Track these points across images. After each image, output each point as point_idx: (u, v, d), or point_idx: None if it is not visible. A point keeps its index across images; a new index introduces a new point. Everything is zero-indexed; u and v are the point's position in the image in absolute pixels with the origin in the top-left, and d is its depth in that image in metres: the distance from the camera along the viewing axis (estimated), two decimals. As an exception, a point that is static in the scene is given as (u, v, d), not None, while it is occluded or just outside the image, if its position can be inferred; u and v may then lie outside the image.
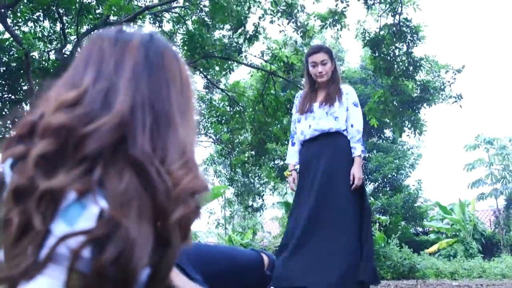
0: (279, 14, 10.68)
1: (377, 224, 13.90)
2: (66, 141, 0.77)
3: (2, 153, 0.83)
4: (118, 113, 0.79)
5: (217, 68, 11.52)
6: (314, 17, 10.74)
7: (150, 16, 11.14)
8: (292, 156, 3.99)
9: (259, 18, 10.53)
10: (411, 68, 10.57)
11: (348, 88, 3.93)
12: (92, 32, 10.93)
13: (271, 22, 10.73)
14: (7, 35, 10.02)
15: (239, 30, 10.08)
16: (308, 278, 3.31)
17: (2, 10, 8.91)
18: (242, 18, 9.85)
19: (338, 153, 3.72)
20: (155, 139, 0.81)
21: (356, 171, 3.65)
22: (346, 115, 3.79)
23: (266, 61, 11.48)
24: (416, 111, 10.99)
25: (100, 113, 0.80)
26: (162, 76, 0.89)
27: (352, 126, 3.78)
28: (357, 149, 3.74)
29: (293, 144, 4.01)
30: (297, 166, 3.99)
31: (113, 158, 0.77)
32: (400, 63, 10.64)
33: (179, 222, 0.79)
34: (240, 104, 12.49)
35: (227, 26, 10.47)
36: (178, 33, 11.70)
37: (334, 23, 10.37)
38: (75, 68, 0.90)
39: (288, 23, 10.72)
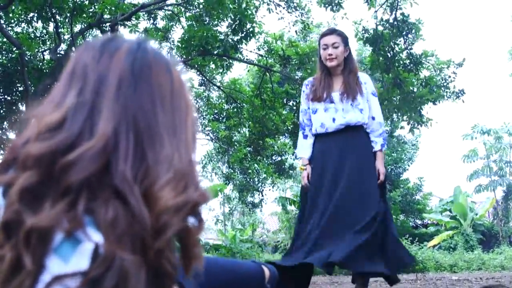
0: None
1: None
2: (49, 171, 0.73)
3: None
4: (101, 137, 0.76)
5: (213, 65, 11.50)
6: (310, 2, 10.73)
7: (144, 14, 11.10)
8: (306, 150, 3.71)
9: (256, 8, 10.51)
10: (411, 65, 10.54)
11: (365, 76, 3.74)
12: (86, 32, 10.91)
13: (268, 10, 10.72)
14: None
15: (237, 29, 10.05)
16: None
17: (-5, 11, 8.85)
18: (242, 15, 9.82)
19: (365, 147, 3.56)
20: (138, 162, 0.78)
21: (381, 166, 3.53)
22: (368, 106, 3.61)
23: (261, 56, 11.46)
24: (419, 108, 10.95)
25: (83, 137, 0.77)
26: (148, 90, 0.85)
27: (373, 118, 3.60)
28: (378, 144, 3.57)
29: (305, 136, 3.73)
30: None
31: (98, 186, 0.74)
32: (400, 61, 10.61)
33: (168, 246, 0.76)
34: (237, 101, 12.48)
35: (224, 23, 10.46)
36: (173, 30, 11.68)
37: (329, 5, 10.32)
38: (60, 85, 0.86)
39: (286, 9, 10.71)
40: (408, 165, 22.92)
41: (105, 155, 0.75)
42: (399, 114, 11.20)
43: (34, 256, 0.70)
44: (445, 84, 11.11)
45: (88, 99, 0.81)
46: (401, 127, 11.62)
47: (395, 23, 10.21)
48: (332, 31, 3.70)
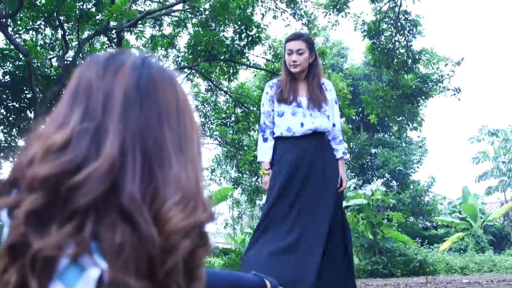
0: (283, 5, 10.69)
1: (387, 220, 13.80)
2: (55, 193, 0.72)
3: None
4: (108, 157, 0.74)
5: (219, 71, 11.52)
6: (317, 6, 10.74)
7: (150, 21, 11.15)
8: (267, 153, 3.61)
9: (262, 15, 10.53)
10: (409, 61, 10.58)
11: (330, 83, 3.73)
12: (93, 39, 10.97)
13: (274, 17, 10.74)
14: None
15: (243, 35, 10.08)
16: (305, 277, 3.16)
17: (3, 20, 8.93)
18: (247, 20, 9.84)
19: (330, 153, 3.56)
20: (146, 181, 0.76)
21: (343, 174, 3.54)
22: (332, 113, 3.60)
23: (268, 60, 11.47)
24: (416, 104, 11.01)
25: (89, 157, 0.75)
26: (154, 107, 0.82)
27: (334, 125, 3.60)
28: (340, 151, 3.58)
29: (265, 140, 3.63)
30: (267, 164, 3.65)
31: (105, 208, 0.72)
32: (399, 56, 10.65)
33: (176, 267, 0.75)
34: (245, 105, 12.48)
35: (230, 29, 10.49)
36: (179, 36, 11.71)
37: (335, 11, 10.36)
38: (64, 103, 0.84)
39: (292, 16, 10.73)
40: (418, 167, 22.86)
41: (112, 176, 0.74)
42: (399, 116, 11.23)
43: (40, 281, 0.69)
44: (441, 80, 11.16)
45: (93, 118, 0.79)
46: (403, 128, 11.65)
47: (397, 20, 10.25)
48: (297, 37, 3.62)
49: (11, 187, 0.78)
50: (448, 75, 11.24)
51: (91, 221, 0.71)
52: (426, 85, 10.99)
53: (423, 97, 11.22)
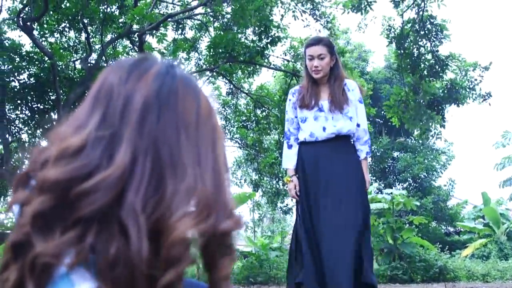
0: (301, 5, 10.70)
1: (409, 225, 13.64)
2: (64, 197, 0.72)
3: (12, 193, 0.80)
4: (119, 166, 0.74)
5: (240, 73, 11.55)
6: (336, 4, 10.73)
7: (173, 24, 11.24)
8: (291, 160, 3.64)
9: (282, 16, 10.55)
10: (437, 67, 10.47)
11: (353, 83, 3.68)
12: (116, 42, 11.10)
13: (294, 17, 10.74)
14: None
15: (263, 36, 10.11)
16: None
17: (29, 23, 9.10)
18: (266, 21, 9.86)
19: (352, 156, 3.54)
20: (152, 192, 0.75)
21: (366, 175, 3.51)
22: (355, 114, 3.57)
23: (288, 61, 11.46)
24: (441, 112, 10.89)
25: (101, 164, 0.75)
26: (172, 118, 0.81)
27: (358, 125, 3.57)
28: (363, 152, 3.56)
29: (289, 146, 3.66)
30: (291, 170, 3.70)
31: (108, 218, 0.72)
32: (426, 62, 10.55)
33: (176, 281, 0.72)
34: (265, 106, 12.48)
35: (250, 30, 10.51)
36: (201, 40, 11.78)
37: (356, 10, 10.32)
38: (85, 106, 0.84)
39: (312, 16, 10.73)
40: (442, 172, 22.60)
41: (120, 185, 0.73)
42: (420, 120, 11.16)
43: (37, 285, 0.69)
44: (471, 86, 11.03)
45: (111, 123, 0.79)
46: (424, 132, 11.57)
47: (421, 24, 10.17)
48: (318, 41, 3.60)
49: (28, 179, 0.79)
50: (476, 80, 11.11)
51: (93, 232, 0.71)
52: (458, 92, 10.87)
53: (455, 103, 11.10)
